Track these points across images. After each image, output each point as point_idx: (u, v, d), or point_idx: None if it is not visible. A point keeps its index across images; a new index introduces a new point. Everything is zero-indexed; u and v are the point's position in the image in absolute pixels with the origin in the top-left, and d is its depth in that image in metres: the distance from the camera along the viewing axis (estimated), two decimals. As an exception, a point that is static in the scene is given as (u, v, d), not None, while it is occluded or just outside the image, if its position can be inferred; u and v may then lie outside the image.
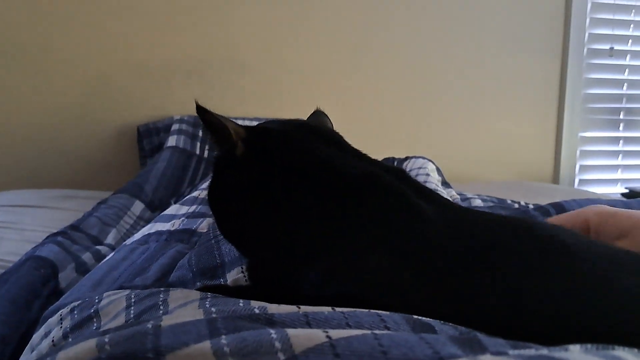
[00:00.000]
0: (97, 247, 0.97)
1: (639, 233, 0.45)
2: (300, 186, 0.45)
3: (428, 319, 0.30)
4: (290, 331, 0.27)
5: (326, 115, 0.64)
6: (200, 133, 1.64)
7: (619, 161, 2.23)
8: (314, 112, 0.65)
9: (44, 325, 0.50)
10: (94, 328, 0.43)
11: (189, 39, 1.76)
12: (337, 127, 0.63)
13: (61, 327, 0.46)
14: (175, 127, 1.64)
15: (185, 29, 1.75)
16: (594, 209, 0.50)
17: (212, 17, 1.76)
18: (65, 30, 1.66)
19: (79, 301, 0.50)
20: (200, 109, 0.46)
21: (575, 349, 0.25)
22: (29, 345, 0.50)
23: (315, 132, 0.52)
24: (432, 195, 0.44)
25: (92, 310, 0.45)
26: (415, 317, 0.30)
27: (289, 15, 1.82)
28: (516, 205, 1.17)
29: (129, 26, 1.71)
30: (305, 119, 0.63)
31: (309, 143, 0.49)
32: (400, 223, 0.39)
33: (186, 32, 1.75)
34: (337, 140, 0.52)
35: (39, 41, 1.65)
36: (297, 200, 0.45)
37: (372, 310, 0.31)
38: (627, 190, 2.02)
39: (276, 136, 0.50)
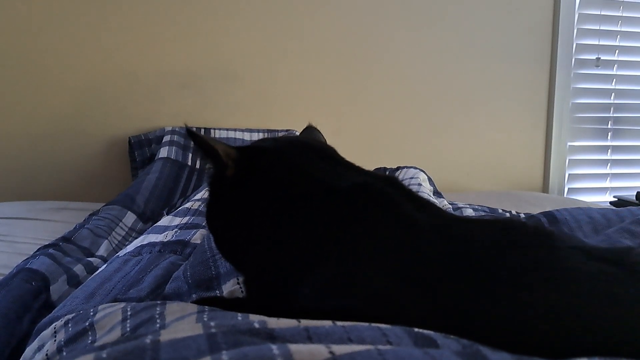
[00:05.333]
0: (89, 259, 0.96)
1: None
2: (293, 202, 0.45)
3: (429, 332, 0.30)
4: (292, 347, 0.27)
5: (318, 130, 0.65)
6: (192, 144, 1.63)
7: (608, 170, 2.24)
8: (306, 127, 0.65)
9: (37, 339, 0.49)
10: (89, 341, 0.42)
11: (181, 51, 1.76)
12: (328, 138, 0.63)
13: (55, 341, 0.46)
14: (166, 138, 1.63)
15: (176, 40, 1.75)
16: None
17: (204, 28, 1.76)
18: (56, 42, 1.66)
19: (73, 314, 0.49)
20: (190, 133, 0.46)
21: None
22: (21, 359, 0.49)
23: (308, 147, 0.52)
24: (426, 203, 0.44)
25: (87, 324, 0.45)
26: (417, 330, 0.30)
27: (281, 28, 1.83)
28: (507, 215, 1.18)
29: (120, 38, 1.70)
30: (298, 132, 0.64)
31: (300, 159, 0.49)
32: (393, 234, 0.39)
33: (178, 43, 1.75)
34: (330, 154, 0.52)
35: (30, 53, 1.64)
36: (289, 216, 0.45)
37: (372, 324, 0.31)
38: (615, 199, 2.03)
39: (268, 155, 0.50)
